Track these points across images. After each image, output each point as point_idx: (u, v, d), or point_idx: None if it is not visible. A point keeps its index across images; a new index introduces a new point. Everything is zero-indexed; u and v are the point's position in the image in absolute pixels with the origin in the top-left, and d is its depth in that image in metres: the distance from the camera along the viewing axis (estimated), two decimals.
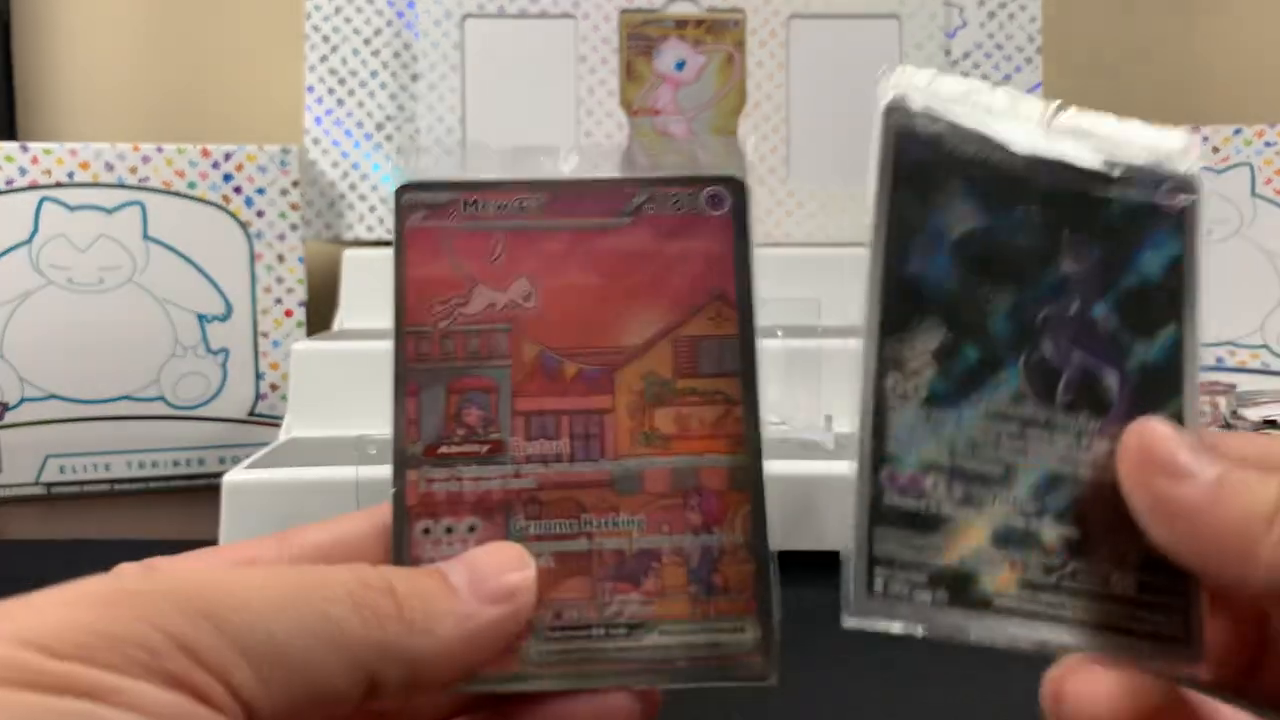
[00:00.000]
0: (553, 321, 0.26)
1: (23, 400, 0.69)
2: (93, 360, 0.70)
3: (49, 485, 0.70)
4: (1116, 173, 0.25)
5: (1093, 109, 0.25)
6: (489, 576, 0.23)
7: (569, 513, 0.25)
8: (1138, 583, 0.23)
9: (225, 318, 0.72)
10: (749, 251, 0.26)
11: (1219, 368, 0.75)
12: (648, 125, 0.74)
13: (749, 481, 0.26)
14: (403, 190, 0.26)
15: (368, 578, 0.22)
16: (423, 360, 0.26)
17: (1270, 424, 0.57)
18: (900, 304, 0.24)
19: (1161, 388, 0.24)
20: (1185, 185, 0.25)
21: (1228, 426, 0.59)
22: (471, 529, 0.25)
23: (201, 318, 0.71)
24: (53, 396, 0.69)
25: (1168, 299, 0.25)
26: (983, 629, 0.23)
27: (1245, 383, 0.74)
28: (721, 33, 0.74)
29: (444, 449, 0.26)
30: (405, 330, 0.26)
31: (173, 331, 0.71)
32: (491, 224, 0.26)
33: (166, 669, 0.18)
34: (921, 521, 0.23)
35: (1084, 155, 0.25)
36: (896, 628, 0.23)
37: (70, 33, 0.86)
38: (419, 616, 0.22)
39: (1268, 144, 0.75)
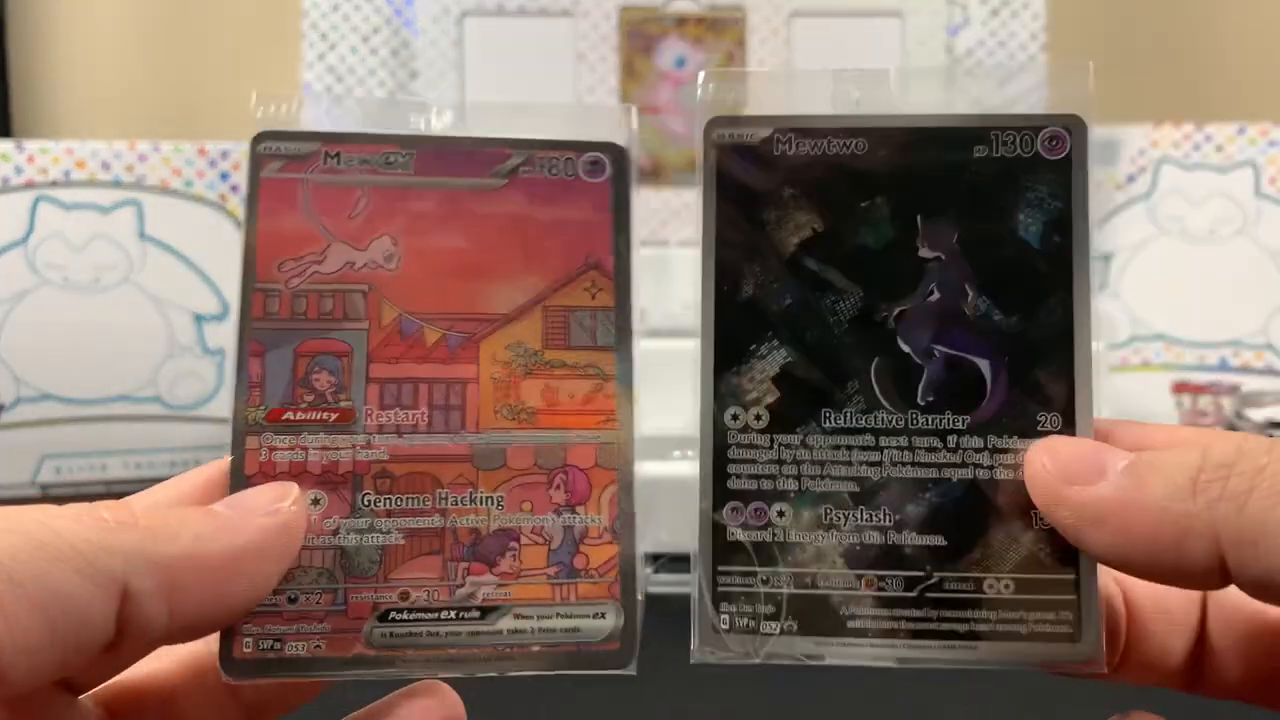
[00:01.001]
0: (415, 284, 0.25)
1: (18, 401, 0.69)
2: (89, 360, 0.69)
3: (45, 487, 0.69)
4: (984, 126, 0.22)
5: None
6: (252, 503, 0.23)
7: (422, 487, 0.24)
8: (1016, 583, 0.22)
9: (222, 317, 0.71)
10: (629, 221, 0.25)
11: (1222, 368, 0.75)
12: (648, 123, 0.73)
13: (618, 460, 0.24)
14: (259, 139, 0.25)
15: (100, 503, 0.21)
16: (270, 319, 0.25)
17: (1275, 425, 0.56)
18: (735, 334, 0.23)
19: (1046, 367, 0.22)
20: (1069, 124, 0.22)
21: (1232, 429, 0.58)
22: (316, 502, 0.24)
23: (198, 317, 0.71)
24: (48, 397, 0.69)
25: (1050, 266, 0.22)
26: (838, 653, 0.22)
27: (1249, 383, 0.74)
28: (722, 30, 0.74)
29: (289, 415, 0.24)
30: (253, 287, 0.25)
31: (169, 331, 0.70)
32: (354, 179, 0.25)
33: None
34: (767, 553, 0.22)
35: (941, 117, 0.23)
36: (746, 660, 0.22)
37: (66, 31, 0.86)
38: (163, 526, 0.20)
39: (1272, 143, 0.75)
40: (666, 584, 0.48)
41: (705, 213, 0.23)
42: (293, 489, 0.23)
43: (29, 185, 0.69)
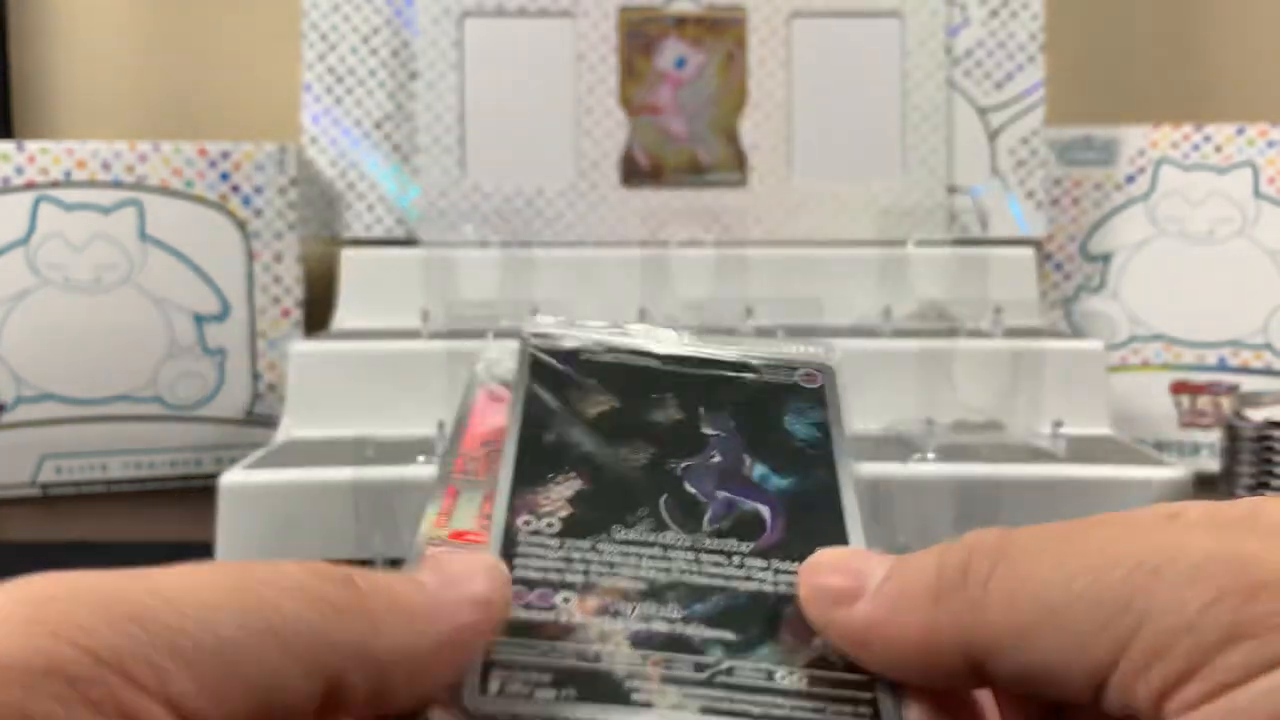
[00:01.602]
0: None
1: (19, 400, 0.69)
2: (89, 360, 0.69)
3: (45, 486, 0.69)
4: (753, 362, 0.28)
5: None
6: (460, 581, 0.22)
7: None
8: (810, 678, 0.22)
9: (222, 318, 0.71)
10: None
11: (1222, 368, 0.75)
12: (648, 123, 0.74)
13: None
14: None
15: (323, 570, 0.20)
16: (465, 474, 0.29)
17: (1275, 425, 0.56)
18: (536, 463, 0.25)
19: (817, 514, 0.25)
20: (820, 368, 0.28)
21: (1231, 428, 0.58)
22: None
23: (198, 318, 0.71)
24: (49, 397, 0.69)
25: (814, 450, 0.26)
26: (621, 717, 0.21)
27: (1248, 383, 0.74)
28: (722, 30, 0.74)
29: (470, 537, 0.28)
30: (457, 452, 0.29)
31: (169, 331, 0.70)
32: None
33: (90, 697, 0.16)
34: (549, 630, 0.22)
35: (722, 352, 0.29)
36: None
37: (67, 31, 0.86)
38: (385, 613, 0.20)
39: (1271, 143, 0.75)
40: None
41: (515, 391, 0.27)
42: (500, 569, 0.23)
43: (29, 185, 0.69)
